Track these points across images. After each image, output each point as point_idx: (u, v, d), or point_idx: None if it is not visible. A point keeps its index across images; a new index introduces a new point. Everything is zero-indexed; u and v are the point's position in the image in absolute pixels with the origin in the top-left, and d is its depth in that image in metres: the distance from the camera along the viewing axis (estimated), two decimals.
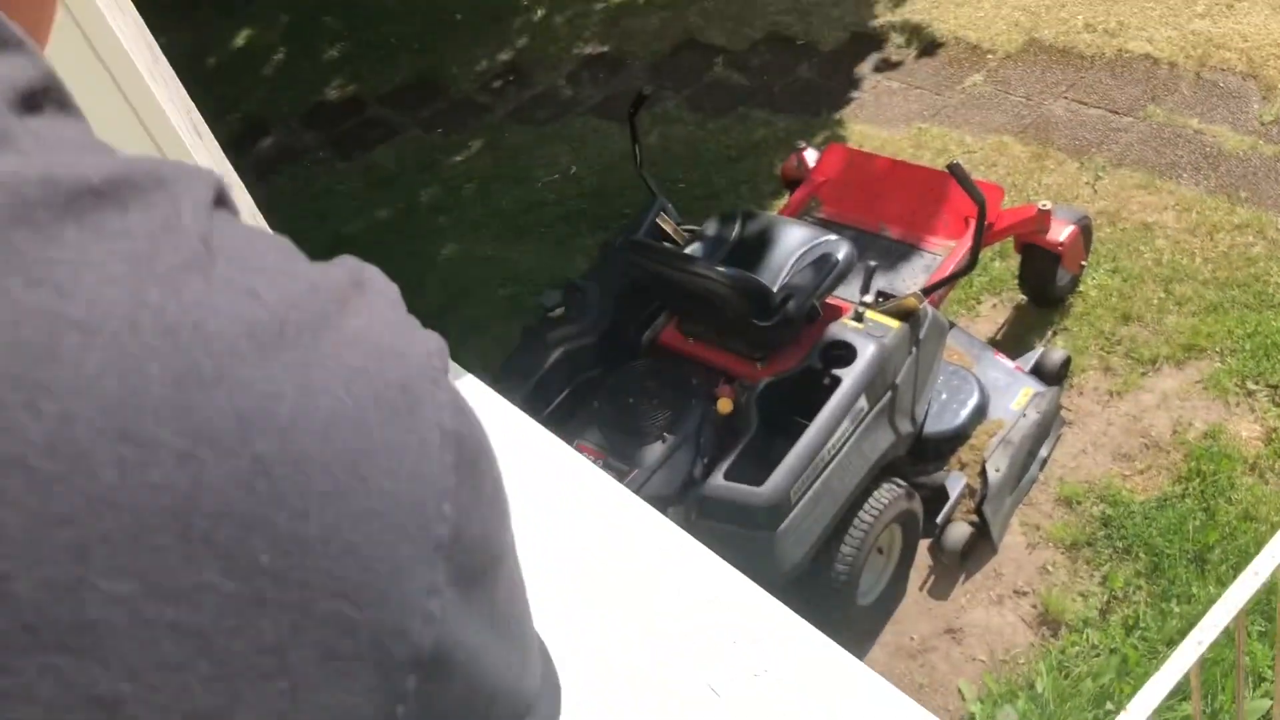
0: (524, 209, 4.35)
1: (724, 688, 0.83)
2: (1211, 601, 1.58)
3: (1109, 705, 2.29)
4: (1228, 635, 1.47)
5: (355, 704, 0.28)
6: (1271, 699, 2.08)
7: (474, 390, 1.18)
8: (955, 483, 2.71)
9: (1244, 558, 2.44)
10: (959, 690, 2.48)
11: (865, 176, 3.21)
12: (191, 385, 0.27)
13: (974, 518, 2.69)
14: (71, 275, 0.26)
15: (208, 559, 0.26)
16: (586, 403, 2.72)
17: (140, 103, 0.95)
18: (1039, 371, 2.96)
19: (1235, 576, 1.49)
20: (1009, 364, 2.95)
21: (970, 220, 2.78)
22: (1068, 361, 3.03)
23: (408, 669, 0.29)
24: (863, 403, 2.40)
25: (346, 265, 0.33)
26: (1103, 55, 4.27)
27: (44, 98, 0.31)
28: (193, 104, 1.05)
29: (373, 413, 0.30)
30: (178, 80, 1.02)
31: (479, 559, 0.33)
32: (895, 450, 2.56)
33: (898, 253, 3.02)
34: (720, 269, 2.57)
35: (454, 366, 1.21)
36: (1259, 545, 2.12)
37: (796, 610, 0.97)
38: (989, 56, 4.46)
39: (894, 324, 2.50)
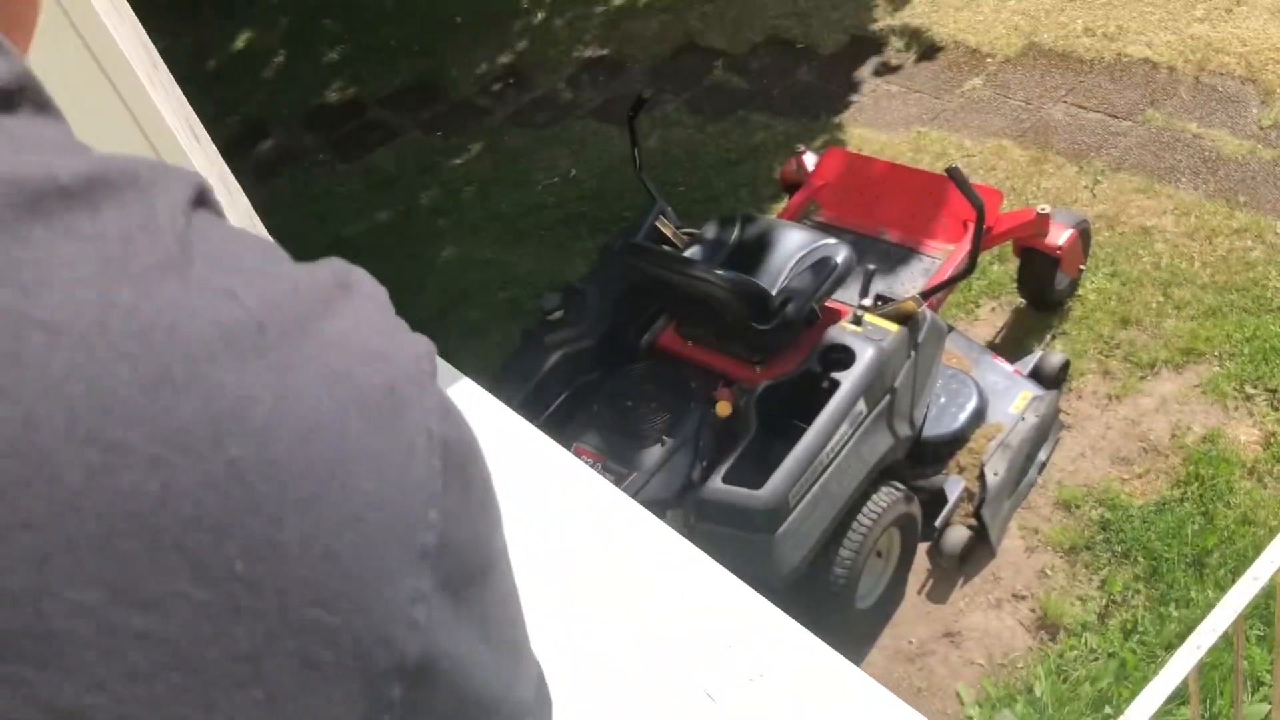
0: (523, 212, 4.36)
1: (719, 692, 0.83)
2: (1210, 606, 1.58)
3: (1107, 709, 2.29)
4: (1226, 640, 1.47)
5: (337, 713, 0.28)
6: (1270, 703, 2.08)
7: (470, 393, 1.18)
8: (954, 486, 2.71)
9: (1242, 562, 2.44)
10: (957, 694, 2.48)
11: (864, 180, 3.21)
12: (163, 388, 0.26)
13: (972, 521, 2.69)
14: (38, 275, 0.26)
15: (178, 566, 0.25)
16: (585, 406, 2.72)
17: (138, 106, 0.95)
18: (1037, 375, 2.96)
19: (1234, 581, 1.49)
20: (1008, 367, 2.95)
21: (969, 224, 2.78)
22: (1066, 365, 3.03)
23: (392, 677, 0.29)
24: (861, 406, 2.40)
25: (332, 267, 0.32)
26: (1102, 59, 4.27)
27: (19, 97, 0.30)
28: (190, 107, 1.05)
29: (355, 417, 0.29)
30: (175, 84, 1.03)
31: (468, 565, 0.32)
32: (894, 454, 2.56)
33: (896, 256, 3.03)
34: (719, 272, 2.57)
35: (451, 369, 1.21)
36: (1257, 549, 2.13)
37: (795, 613, 0.97)
38: (988, 60, 4.46)
39: (893, 327, 2.50)
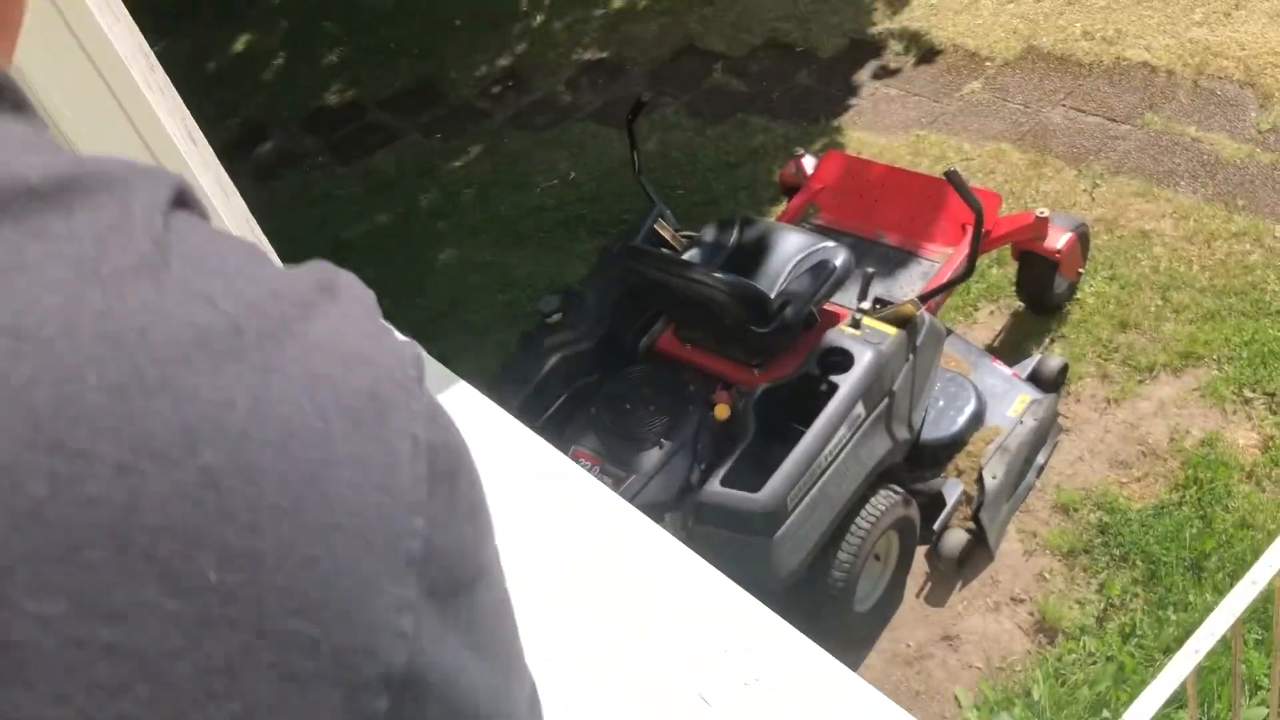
0: (523, 214, 4.36)
1: (715, 697, 0.83)
2: (1208, 609, 1.58)
3: (1105, 713, 2.28)
4: (1224, 644, 1.47)
5: None
6: (1268, 707, 2.08)
7: (467, 396, 1.18)
8: (952, 490, 2.71)
9: (1241, 566, 2.43)
10: (955, 698, 2.48)
11: (863, 183, 3.21)
12: (132, 394, 0.25)
13: (971, 525, 2.69)
14: (2, 278, 0.25)
15: (147, 576, 0.25)
16: (584, 408, 2.72)
17: (135, 109, 0.95)
18: (1036, 378, 2.96)
19: (1232, 584, 1.49)
20: (1006, 371, 2.95)
21: (968, 227, 2.78)
22: (1065, 369, 3.03)
23: (378, 689, 0.28)
24: (860, 409, 2.40)
25: (317, 270, 0.32)
26: (1101, 63, 4.28)
27: None
28: (186, 109, 1.05)
29: (336, 421, 0.28)
30: (173, 87, 1.03)
31: (456, 574, 0.31)
32: (892, 457, 2.56)
33: (895, 259, 3.03)
34: (718, 275, 2.57)
35: (448, 372, 1.21)
36: (1256, 553, 2.13)
37: (793, 617, 0.96)
38: (987, 64, 4.47)
39: (891, 331, 2.50)
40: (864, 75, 4.62)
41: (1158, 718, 1.39)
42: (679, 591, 0.94)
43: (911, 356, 2.54)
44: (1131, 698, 1.57)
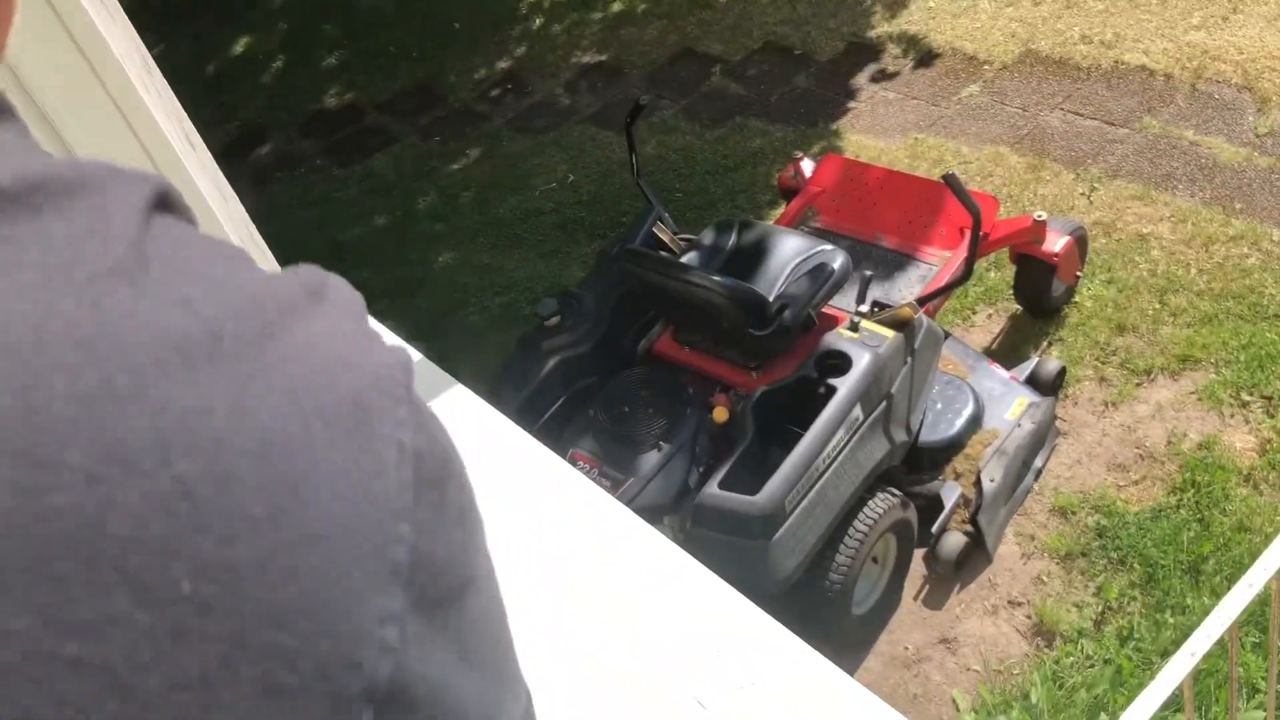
0: (521, 217, 4.36)
1: (710, 700, 0.83)
2: (1206, 613, 1.58)
3: (1103, 716, 2.28)
4: (1222, 646, 1.47)
5: None
6: (1265, 710, 2.08)
7: (465, 399, 1.18)
8: (950, 492, 2.71)
9: (1238, 569, 2.44)
10: (953, 700, 2.48)
11: (861, 187, 3.22)
12: (103, 402, 0.25)
13: (969, 527, 2.69)
14: None
15: (117, 588, 0.24)
16: (582, 411, 2.72)
17: (132, 112, 0.95)
18: (1034, 382, 2.96)
19: (1229, 588, 1.49)
20: (1004, 374, 2.95)
21: (966, 231, 2.78)
22: (1063, 372, 3.04)
23: (362, 702, 0.27)
24: (858, 412, 2.40)
25: (303, 274, 0.31)
26: (1099, 67, 4.28)
27: None
28: (184, 112, 1.05)
29: (319, 429, 0.28)
30: (170, 90, 1.03)
31: (445, 582, 0.31)
32: (890, 460, 2.56)
33: (893, 263, 3.03)
34: (716, 278, 2.57)
35: (445, 375, 1.21)
36: (1253, 556, 2.13)
37: (791, 620, 0.96)
38: (985, 67, 4.47)
39: (889, 334, 2.51)
40: (862, 79, 4.63)
41: None
42: (674, 595, 0.94)
43: (909, 359, 2.54)
44: (1129, 701, 1.57)
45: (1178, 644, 1.83)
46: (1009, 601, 2.65)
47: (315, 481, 0.27)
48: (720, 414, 2.58)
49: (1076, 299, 3.32)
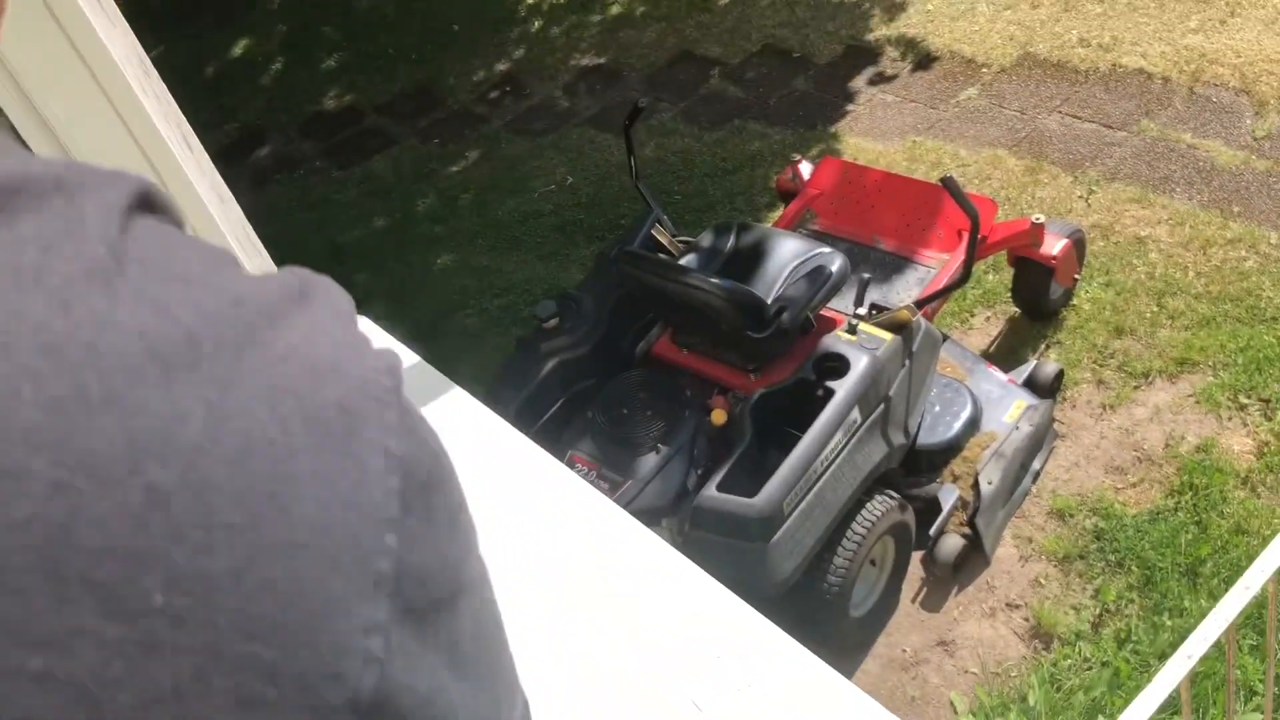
0: (520, 219, 4.36)
1: (707, 703, 0.83)
2: (1203, 615, 1.58)
3: (1101, 718, 2.29)
4: (1219, 649, 1.47)
5: None
6: (1262, 713, 2.08)
7: (463, 401, 1.18)
8: (948, 495, 2.71)
9: (1236, 571, 2.44)
10: (951, 703, 2.48)
11: (859, 189, 3.22)
12: (72, 409, 0.24)
13: (967, 530, 2.69)
14: None
15: (84, 600, 0.23)
16: (581, 413, 2.72)
17: (130, 115, 0.95)
18: (1032, 384, 2.97)
19: (1227, 590, 1.49)
20: (1002, 377, 2.95)
21: (964, 233, 2.79)
22: (1060, 374, 3.04)
23: (346, 713, 0.27)
24: (856, 415, 2.40)
25: (289, 276, 0.30)
26: (1097, 70, 4.29)
27: None
28: (182, 114, 1.05)
29: (300, 436, 0.27)
30: (168, 92, 1.03)
31: (433, 591, 0.30)
32: (888, 462, 2.56)
33: (891, 265, 3.03)
34: (714, 280, 2.57)
35: (442, 378, 1.21)
36: (1251, 559, 2.13)
37: (788, 622, 0.96)
38: (983, 70, 4.48)
39: (887, 336, 2.51)
40: (860, 81, 4.63)
41: None
42: (672, 597, 0.94)
43: (907, 362, 2.55)
44: (1126, 703, 1.57)
45: (1175, 646, 1.83)
46: (1007, 604, 2.65)
47: (295, 489, 0.27)
48: (718, 416, 2.58)
49: (1074, 302, 3.32)
